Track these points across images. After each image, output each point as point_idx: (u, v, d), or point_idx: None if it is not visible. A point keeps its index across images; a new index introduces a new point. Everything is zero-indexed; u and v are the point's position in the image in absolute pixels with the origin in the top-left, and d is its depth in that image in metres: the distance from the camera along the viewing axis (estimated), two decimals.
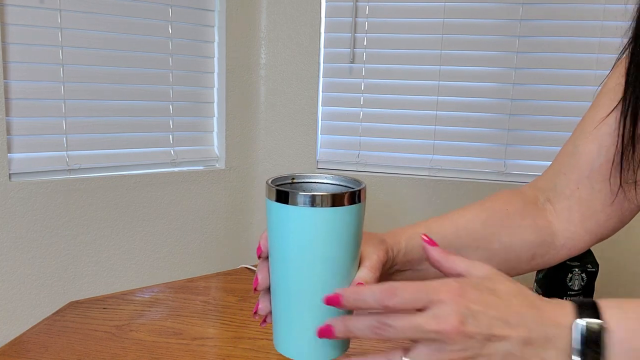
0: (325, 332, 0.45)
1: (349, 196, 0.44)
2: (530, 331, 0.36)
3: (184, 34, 1.54)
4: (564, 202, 0.58)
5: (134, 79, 1.47)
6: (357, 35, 1.63)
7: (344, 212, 0.43)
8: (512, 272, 0.55)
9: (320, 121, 1.69)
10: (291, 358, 0.49)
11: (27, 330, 0.70)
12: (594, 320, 0.35)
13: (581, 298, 0.38)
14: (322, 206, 0.43)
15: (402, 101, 1.63)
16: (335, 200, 0.43)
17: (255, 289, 0.47)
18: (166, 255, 1.57)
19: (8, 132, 1.28)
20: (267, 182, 0.47)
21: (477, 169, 1.61)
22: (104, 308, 0.79)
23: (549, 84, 1.53)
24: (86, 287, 1.43)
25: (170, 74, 1.53)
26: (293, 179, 0.50)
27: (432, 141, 1.63)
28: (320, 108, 1.69)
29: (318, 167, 1.71)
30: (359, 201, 0.45)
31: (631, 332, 0.35)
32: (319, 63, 1.66)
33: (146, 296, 0.84)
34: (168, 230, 1.56)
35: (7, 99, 1.27)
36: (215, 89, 1.63)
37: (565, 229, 0.57)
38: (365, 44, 1.63)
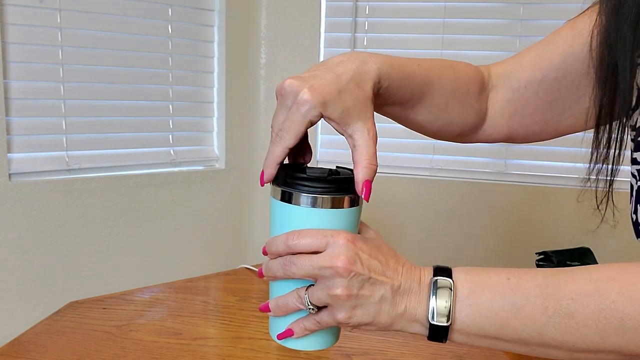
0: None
1: (348, 200, 0.47)
2: (401, 283, 0.46)
3: (184, 33, 1.54)
4: (507, 93, 0.63)
5: (133, 79, 1.47)
6: (357, 35, 1.63)
7: (343, 214, 0.47)
8: (439, 136, 0.63)
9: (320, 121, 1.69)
10: (289, 347, 0.51)
11: (26, 331, 0.70)
12: (445, 279, 0.46)
13: (441, 265, 0.48)
14: (322, 207, 0.46)
15: None
16: (334, 202, 0.47)
17: (261, 183, 0.51)
18: (166, 255, 1.57)
19: (8, 132, 1.28)
20: (271, 183, 0.50)
21: (477, 168, 1.61)
22: (104, 308, 0.79)
23: None
24: (86, 287, 1.43)
25: (170, 74, 1.53)
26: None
27: (433, 141, 1.62)
28: None
29: (318, 166, 1.70)
30: (357, 205, 0.49)
31: (471, 291, 0.45)
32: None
33: (146, 296, 0.84)
34: (168, 230, 1.56)
35: (7, 98, 1.27)
36: (215, 89, 1.63)
37: (495, 119, 0.64)
38: (365, 43, 1.63)
